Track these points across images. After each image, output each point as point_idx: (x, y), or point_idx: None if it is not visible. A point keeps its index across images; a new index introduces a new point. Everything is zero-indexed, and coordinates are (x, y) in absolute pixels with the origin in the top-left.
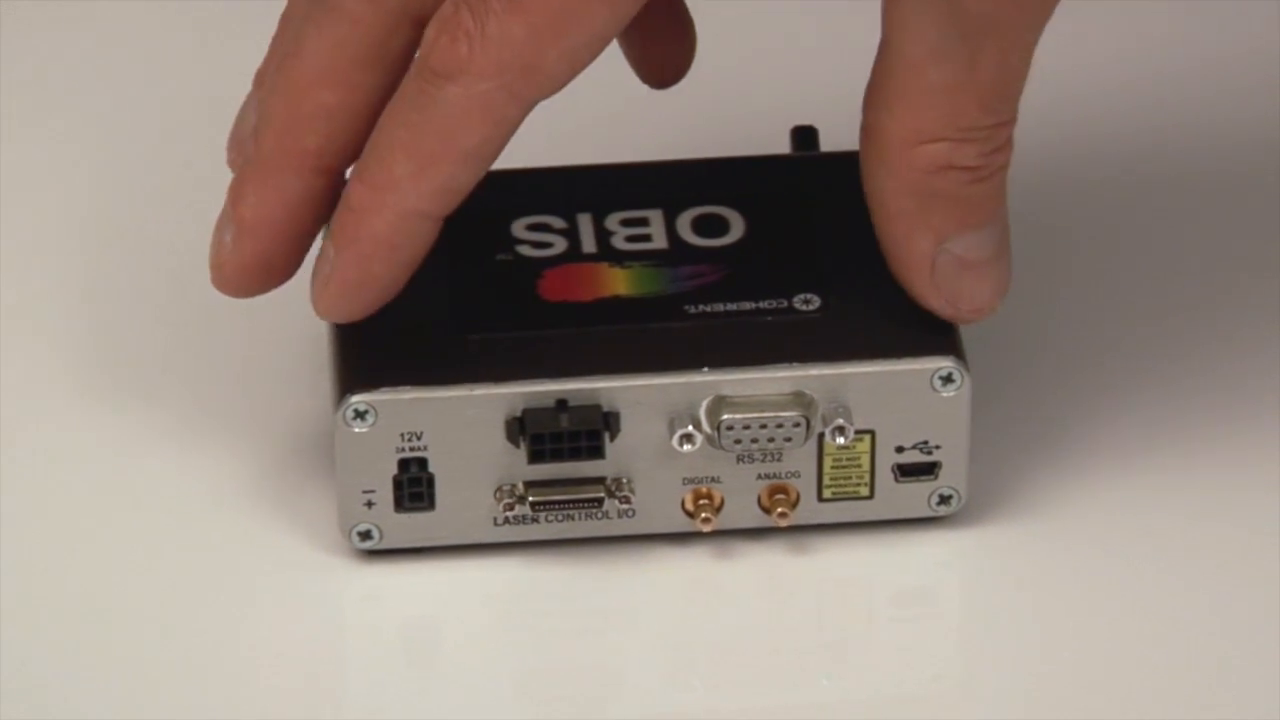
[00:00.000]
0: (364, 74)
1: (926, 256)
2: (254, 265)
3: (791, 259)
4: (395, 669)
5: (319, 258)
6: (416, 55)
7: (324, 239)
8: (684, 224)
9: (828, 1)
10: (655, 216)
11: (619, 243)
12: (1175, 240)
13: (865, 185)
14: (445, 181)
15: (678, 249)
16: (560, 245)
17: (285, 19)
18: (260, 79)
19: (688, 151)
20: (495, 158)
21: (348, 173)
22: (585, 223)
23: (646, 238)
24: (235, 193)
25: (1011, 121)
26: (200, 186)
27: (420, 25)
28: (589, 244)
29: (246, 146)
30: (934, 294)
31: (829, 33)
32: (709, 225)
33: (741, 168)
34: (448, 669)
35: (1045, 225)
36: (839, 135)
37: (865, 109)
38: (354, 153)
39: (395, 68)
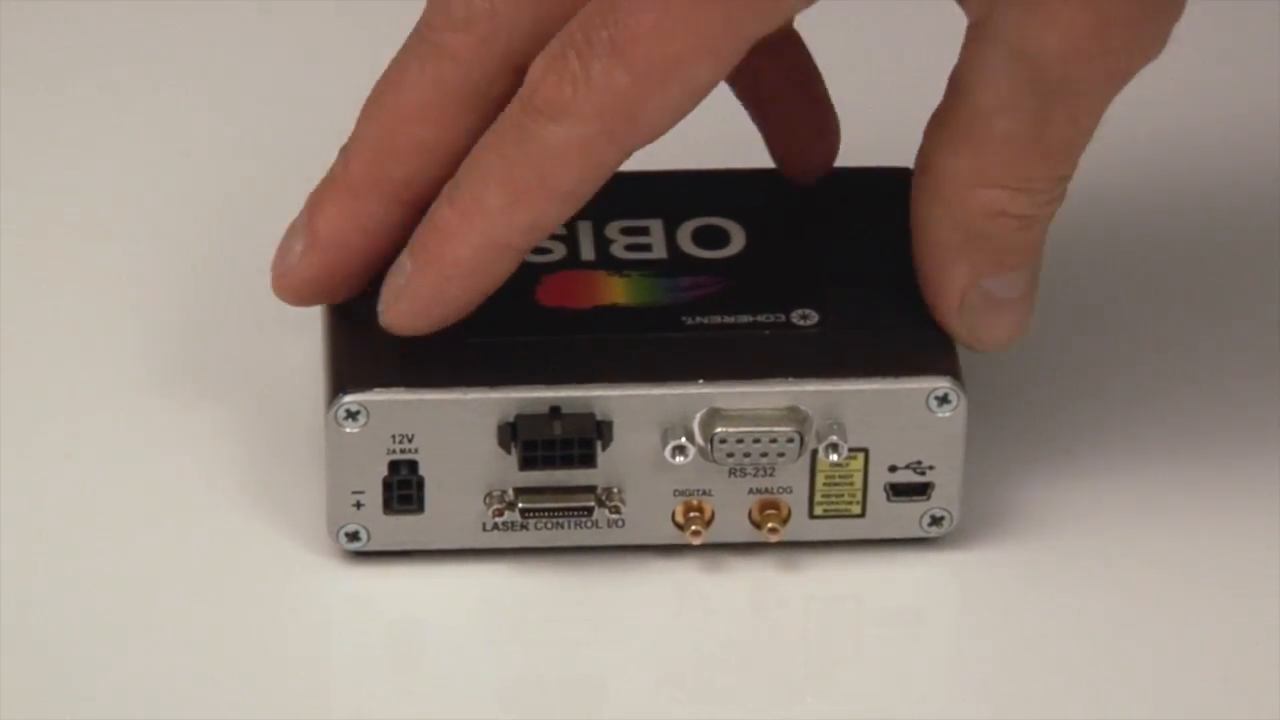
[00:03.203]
0: (462, 114)
1: (959, 290)
2: (317, 280)
3: (791, 273)
4: (380, 671)
5: (394, 269)
6: (521, 89)
7: (403, 253)
8: (684, 235)
9: (833, 16)
10: (655, 226)
11: (618, 251)
12: (1173, 262)
13: (913, 210)
14: (536, 218)
15: (677, 259)
16: (559, 251)
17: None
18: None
19: (690, 162)
20: (587, 199)
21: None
22: (585, 230)
23: (646, 247)
24: (314, 206)
25: (1070, 175)
26: (200, 187)
27: (522, 74)
28: (588, 251)
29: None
30: (957, 323)
31: (835, 47)
32: (709, 237)
33: (744, 180)
34: (432, 673)
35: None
36: (843, 150)
37: (926, 145)
38: (438, 189)
39: (492, 113)
